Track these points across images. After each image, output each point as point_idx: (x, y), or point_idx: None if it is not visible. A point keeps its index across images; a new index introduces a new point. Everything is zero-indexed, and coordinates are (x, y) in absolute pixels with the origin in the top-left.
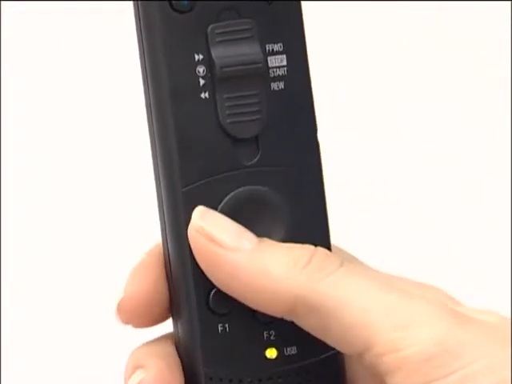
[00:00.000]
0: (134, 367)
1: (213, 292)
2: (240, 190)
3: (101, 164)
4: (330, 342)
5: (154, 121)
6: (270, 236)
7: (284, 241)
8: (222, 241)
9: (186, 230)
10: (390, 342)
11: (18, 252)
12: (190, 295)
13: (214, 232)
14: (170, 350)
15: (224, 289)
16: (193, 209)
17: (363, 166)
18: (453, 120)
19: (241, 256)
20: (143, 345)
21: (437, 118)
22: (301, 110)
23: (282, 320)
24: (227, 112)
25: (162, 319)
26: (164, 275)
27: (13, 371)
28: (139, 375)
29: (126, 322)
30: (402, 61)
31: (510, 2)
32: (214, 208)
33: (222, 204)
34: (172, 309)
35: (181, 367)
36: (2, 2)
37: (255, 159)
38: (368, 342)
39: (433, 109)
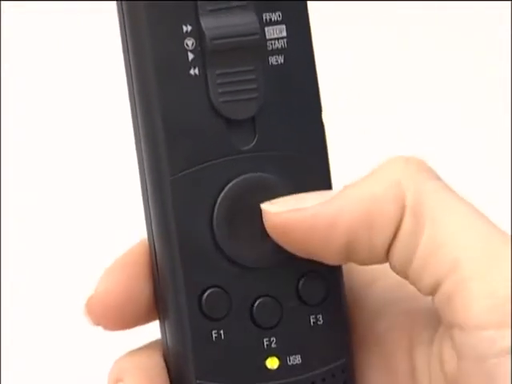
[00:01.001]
0: (115, 380)
1: (206, 293)
2: (239, 178)
3: (100, 165)
4: (416, 261)
5: (136, 101)
6: None
7: None
8: (311, 204)
9: (175, 224)
10: (478, 270)
11: (17, 252)
12: (179, 297)
13: (297, 204)
14: (156, 360)
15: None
16: (182, 200)
17: (363, 165)
18: (453, 120)
19: (342, 199)
20: (128, 354)
21: (437, 118)
22: (303, 87)
23: (283, 325)
24: (219, 90)
25: (137, 323)
26: (142, 275)
27: (13, 371)
28: None
29: (96, 322)
30: (402, 61)
31: (509, 2)
32: (209, 199)
33: (221, 196)
34: (159, 313)
35: (167, 381)
36: (1, 2)
37: (252, 143)
38: (454, 265)
39: (433, 109)
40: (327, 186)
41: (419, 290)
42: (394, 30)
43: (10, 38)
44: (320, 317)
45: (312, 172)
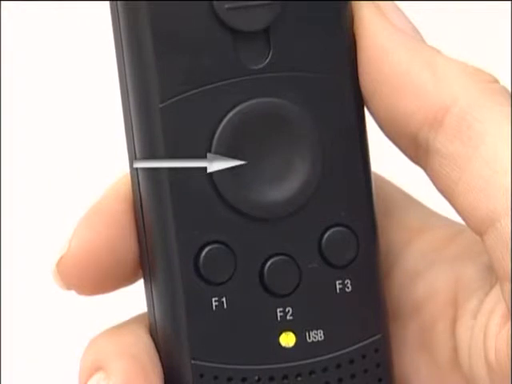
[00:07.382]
0: (94, 367)
1: (205, 251)
2: (246, 104)
3: (101, 165)
4: (463, 182)
5: (119, 10)
6: (289, 172)
7: (310, 177)
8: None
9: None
10: None
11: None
12: (170, 255)
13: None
14: (143, 339)
15: None
16: (173, 132)
17: None
18: None
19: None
20: (107, 332)
21: None
22: None
23: (301, 293)
24: None
25: (119, 285)
26: (126, 225)
27: (13, 372)
28: (100, 382)
29: (68, 286)
30: None
31: (509, 2)
32: (208, 131)
33: (222, 126)
34: (145, 275)
35: (158, 364)
36: (1, 1)
37: (264, 62)
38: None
39: None
40: (357, 116)
41: (465, 221)
42: None
43: (10, 38)
44: (348, 282)
45: (339, 98)
